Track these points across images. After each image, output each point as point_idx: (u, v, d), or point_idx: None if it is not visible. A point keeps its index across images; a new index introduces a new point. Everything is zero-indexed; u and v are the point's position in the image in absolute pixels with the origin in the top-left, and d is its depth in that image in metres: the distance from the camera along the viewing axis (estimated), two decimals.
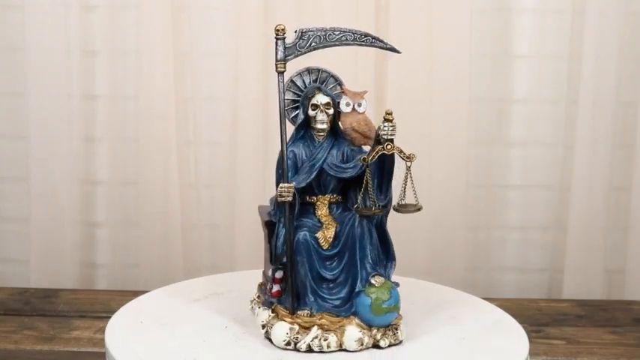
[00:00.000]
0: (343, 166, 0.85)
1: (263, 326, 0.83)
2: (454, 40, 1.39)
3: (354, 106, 0.85)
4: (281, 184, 0.81)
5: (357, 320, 0.82)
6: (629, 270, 1.45)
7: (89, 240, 1.49)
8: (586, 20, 1.38)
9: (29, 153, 1.43)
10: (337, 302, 0.82)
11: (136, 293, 1.03)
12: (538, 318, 1.30)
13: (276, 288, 0.82)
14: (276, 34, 0.83)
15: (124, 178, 1.46)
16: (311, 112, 0.85)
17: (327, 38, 0.83)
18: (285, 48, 0.83)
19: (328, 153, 0.85)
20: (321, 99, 0.85)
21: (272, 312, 0.83)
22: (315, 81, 0.87)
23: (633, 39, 1.41)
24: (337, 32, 0.83)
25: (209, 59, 1.42)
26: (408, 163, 0.82)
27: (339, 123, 0.86)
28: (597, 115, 1.40)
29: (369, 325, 0.82)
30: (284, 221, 0.82)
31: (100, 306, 1.31)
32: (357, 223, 0.83)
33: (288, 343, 0.81)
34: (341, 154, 0.85)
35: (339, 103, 0.85)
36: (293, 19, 1.38)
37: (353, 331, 0.81)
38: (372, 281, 0.82)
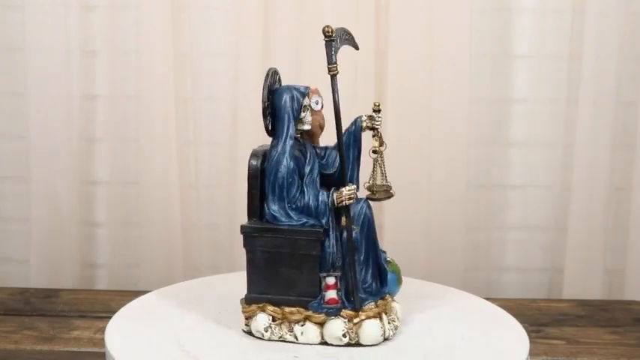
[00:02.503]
0: (324, 163, 0.86)
1: (344, 335, 0.82)
2: (454, 40, 1.39)
3: (322, 103, 0.86)
4: (347, 188, 0.82)
5: (390, 297, 0.86)
6: (629, 270, 1.45)
7: (89, 240, 1.49)
8: (586, 20, 1.38)
9: (29, 153, 1.43)
10: (370, 288, 0.84)
11: (136, 293, 1.03)
12: (538, 318, 1.30)
13: (340, 294, 0.83)
14: (329, 36, 0.81)
15: (124, 178, 1.46)
16: (302, 114, 0.85)
17: (342, 38, 0.84)
18: (335, 49, 0.81)
19: (315, 153, 0.86)
20: (307, 100, 0.85)
21: (344, 317, 0.82)
22: (274, 82, 0.87)
23: (633, 39, 1.41)
24: (344, 32, 0.84)
25: (209, 59, 1.42)
26: (383, 148, 0.86)
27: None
28: (597, 115, 1.40)
29: (392, 297, 0.87)
30: (333, 225, 0.83)
31: (100, 306, 1.31)
32: (368, 210, 0.84)
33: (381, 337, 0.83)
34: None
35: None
36: (293, 19, 1.38)
37: (399, 307, 0.86)
38: (389, 259, 0.87)
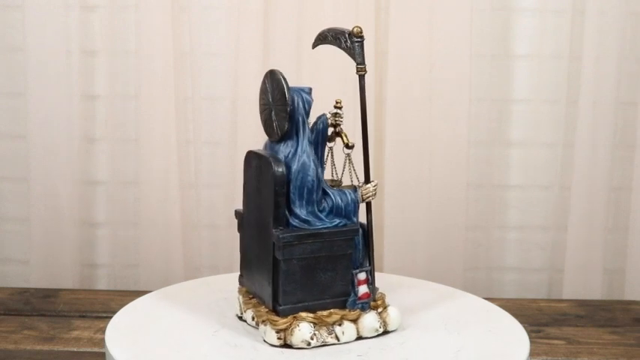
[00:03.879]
0: None
1: (380, 325, 0.84)
2: (454, 40, 1.39)
3: None
4: (373, 184, 0.83)
5: None
6: (629, 270, 1.45)
7: (89, 240, 1.49)
8: (586, 20, 1.38)
9: (29, 153, 1.43)
10: None
11: (136, 293, 1.03)
12: (538, 318, 1.31)
13: (370, 287, 0.84)
14: (360, 37, 0.82)
15: (124, 178, 1.46)
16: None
17: (329, 38, 0.84)
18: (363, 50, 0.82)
19: None
20: None
21: (373, 309, 0.84)
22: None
23: (633, 39, 1.41)
24: (330, 31, 0.85)
25: (209, 59, 1.43)
26: (351, 144, 0.85)
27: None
28: (597, 115, 1.40)
29: None
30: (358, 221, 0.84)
31: (100, 306, 1.31)
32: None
33: None
34: None
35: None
36: (293, 19, 1.38)
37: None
38: None
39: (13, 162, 1.48)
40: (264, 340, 0.81)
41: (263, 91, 0.83)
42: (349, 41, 0.82)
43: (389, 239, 1.43)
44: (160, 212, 1.44)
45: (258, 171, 0.82)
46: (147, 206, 1.44)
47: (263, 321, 0.81)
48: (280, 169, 0.79)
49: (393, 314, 0.84)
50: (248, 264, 0.86)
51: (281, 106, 0.81)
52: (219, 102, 1.44)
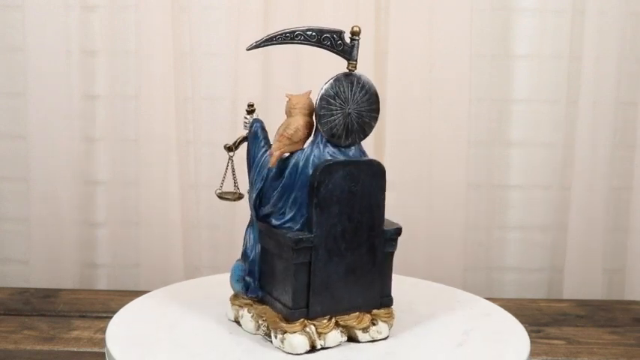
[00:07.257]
0: None
1: None
2: (454, 40, 1.39)
3: None
4: None
5: None
6: (629, 270, 1.45)
7: (89, 240, 1.49)
8: (586, 20, 1.38)
9: (29, 153, 1.43)
10: None
11: (136, 293, 1.03)
12: (538, 318, 1.31)
13: None
14: (357, 36, 0.82)
15: (124, 178, 1.46)
16: None
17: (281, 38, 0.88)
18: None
19: None
20: None
21: None
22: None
23: (633, 39, 1.41)
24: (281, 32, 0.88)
25: (209, 59, 1.43)
26: (231, 154, 0.89)
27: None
28: (597, 115, 1.40)
29: None
30: None
31: (100, 306, 1.31)
32: None
33: None
34: None
35: None
36: (293, 19, 1.38)
37: None
38: None
39: (13, 162, 1.48)
40: (375, 340, 0.83)
41: (331, 96, 0.80)
42: (342, 40, 0.83)
43: None
44: (160, 212, 1.44)
45: (350, 179, 0.80)
46: (147, 206, 1.44)
47: (368, 325, 0.83)
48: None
49: None
50: (327, 287, 0.80)
51: (371, 106, 0.82)
52: (219, 102, 1.44)
